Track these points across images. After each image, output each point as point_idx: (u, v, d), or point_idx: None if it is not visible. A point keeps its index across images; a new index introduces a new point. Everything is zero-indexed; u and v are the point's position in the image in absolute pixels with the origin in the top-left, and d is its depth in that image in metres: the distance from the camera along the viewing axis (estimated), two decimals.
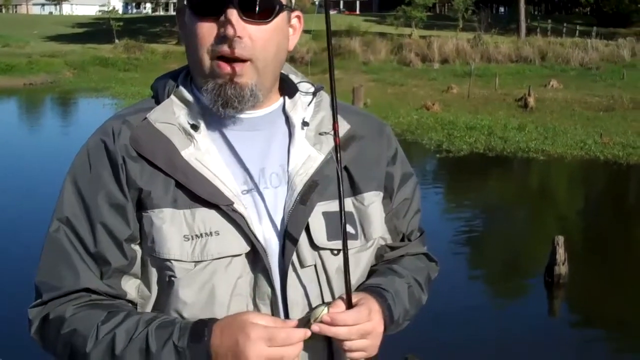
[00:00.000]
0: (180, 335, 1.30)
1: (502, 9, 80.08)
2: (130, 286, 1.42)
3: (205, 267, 1.37)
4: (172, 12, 78.08)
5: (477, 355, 6.20)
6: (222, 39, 1.37)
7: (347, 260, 1.39)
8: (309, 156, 1.47)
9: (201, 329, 1.30)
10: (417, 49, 34.50)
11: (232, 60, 1.38)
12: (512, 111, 20.20)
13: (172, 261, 1.37)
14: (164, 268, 1.39)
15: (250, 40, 1.38)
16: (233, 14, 1.36)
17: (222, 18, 1.37)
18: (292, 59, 34.53)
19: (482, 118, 18.48)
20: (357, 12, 78.37)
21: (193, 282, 1.37)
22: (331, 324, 1.34)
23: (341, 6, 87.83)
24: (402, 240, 1.65)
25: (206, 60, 1.39)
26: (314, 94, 1.57)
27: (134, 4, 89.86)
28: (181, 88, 1.48)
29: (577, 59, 31.69)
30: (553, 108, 20.53)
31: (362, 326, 1.37)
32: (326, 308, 1.36)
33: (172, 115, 1.45)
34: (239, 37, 1.37)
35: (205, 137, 1.43)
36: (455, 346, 6.32)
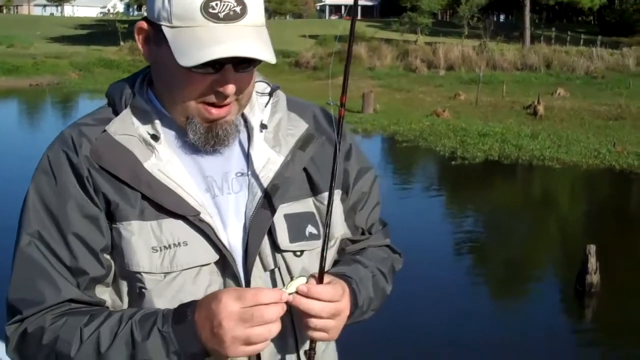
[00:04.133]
0: (164, 321, 1.30)
1: (502, 17, 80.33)
2: (105, 295, 1.42)
3: (174, 278, 1.38)
4: None
5: None
6: (215, 93, 1.37)
7: (328, 228, 1.39)
8: (268, 159, 1.47)
9: (184, 310, 1.31)
10: (423, 56, 34.49)
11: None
12: (522, 119, 20.23)
13: (142, 273, 1.37)
14: (135, 280, 1.39)
15: (239, 86, 1.38)
16: (230, 72, 1.35)
17: (218, 76, 1.35)
18: (297, 63, 34.54)
19: (494, 125, 18.51)
20: (359, 17, 78.41)
21: (164, 293, 1.38)
22: (306, 295, 1.32)
23: (343, 11, 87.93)
24: (363, 234, 1.64)
25: (192, 104, 1.39)
26: (270, 94, 1.57)
27: (135, 6, 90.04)
28: (138, 97, 1.46)
29: (582, 68, 31.65)
30: (562, 116, 20.56)
31: (335, 305, 1.35)
32: (305, 279, 1.35)
33: (131, 126, 1.43)
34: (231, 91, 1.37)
35: (165, 147, 1.43)
36: (484, 354, 6.35)
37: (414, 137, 17.42)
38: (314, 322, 1.35)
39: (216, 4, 1.31)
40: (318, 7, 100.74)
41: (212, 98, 1.38)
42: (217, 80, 1.35)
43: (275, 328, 1.28)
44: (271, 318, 1.26)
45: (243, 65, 1.36)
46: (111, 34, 44.68)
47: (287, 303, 1.31)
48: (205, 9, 1.31)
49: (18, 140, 17.40)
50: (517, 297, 8.07)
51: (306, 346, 1.46)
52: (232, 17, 1.32)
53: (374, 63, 33.59)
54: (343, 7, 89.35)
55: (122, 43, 41.26)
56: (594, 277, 7.44)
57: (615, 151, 15.30)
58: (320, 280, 1.36)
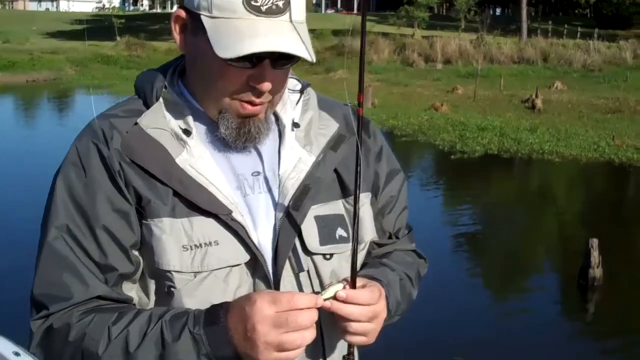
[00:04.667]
0: (195, 322, 1.27)
1: (498, 10, 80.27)
2: (132, 291, 1.40)
3: (205, 277, 1.35)
4: (169, 10, 77.81)
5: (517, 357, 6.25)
6: (251, 89, 1.34)
7: (357, 229, 1.36)
8: (299, 158, 1.45)
9: (216, 311, 1.28)
10: (420, 49, 34.44)
11: None
12: (520, 112, 20.20)
13: (172, 272, 1.35)
14: (164, 278, 1.36)
15: (274, 83, 1.36)
16: (268, 67, 1.32)
17: (255, 71, 1.32)
18: None
19: (493, 119, 18.47)
20: (355, 11, 78.25)
21: (193, 293, 1.35)
22: (345, 300, 1.30)
23: (339, 5, 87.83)
24: (390, 238, 1.63)
25: (226, 100, 1.36)
26: (302, 91, 1.54)
27: (131, 1, 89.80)
28: (170, 90, 1.43)
29: (579, 61, 31.63)
30: (560, 110, 20.53)
31: (372, 308, 1.34)
32: (342, 285, 1.32)
33: (162, 119, 1.40)
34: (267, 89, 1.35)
35: (197, 141, 1.40)
36: (486, 349, 6.35)
37: (412, 131, 17.38)
38: (353, 326, 1.33)
39: None
40: (314, 1, 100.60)
41: (247, 95, 1.35)
42: (254, 76, 1.33)
43: (309, 335, 1.25)
44: (306, 324, 1.23)
45: (281, 61, 1.33)
46: (107, 29, 44.47)
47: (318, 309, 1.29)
48: (248, 1, 1.28)
49: (15, 137, 17.32)
50: (519, 291, 8.07)
51: (337, 353, 1.46)
52: (275, 11, 1.30)
53: (371, 57, 33.47)
54: (339, 1, 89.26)
55: (118, 38, 41.10)
56: (596, 271, 7.44)
57: (614, 144, 15.29)
58: (352, 284, 1.34)
